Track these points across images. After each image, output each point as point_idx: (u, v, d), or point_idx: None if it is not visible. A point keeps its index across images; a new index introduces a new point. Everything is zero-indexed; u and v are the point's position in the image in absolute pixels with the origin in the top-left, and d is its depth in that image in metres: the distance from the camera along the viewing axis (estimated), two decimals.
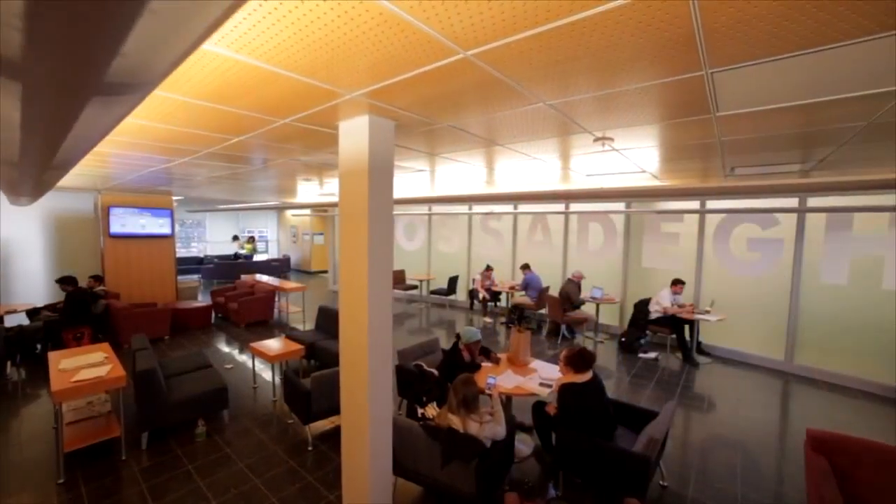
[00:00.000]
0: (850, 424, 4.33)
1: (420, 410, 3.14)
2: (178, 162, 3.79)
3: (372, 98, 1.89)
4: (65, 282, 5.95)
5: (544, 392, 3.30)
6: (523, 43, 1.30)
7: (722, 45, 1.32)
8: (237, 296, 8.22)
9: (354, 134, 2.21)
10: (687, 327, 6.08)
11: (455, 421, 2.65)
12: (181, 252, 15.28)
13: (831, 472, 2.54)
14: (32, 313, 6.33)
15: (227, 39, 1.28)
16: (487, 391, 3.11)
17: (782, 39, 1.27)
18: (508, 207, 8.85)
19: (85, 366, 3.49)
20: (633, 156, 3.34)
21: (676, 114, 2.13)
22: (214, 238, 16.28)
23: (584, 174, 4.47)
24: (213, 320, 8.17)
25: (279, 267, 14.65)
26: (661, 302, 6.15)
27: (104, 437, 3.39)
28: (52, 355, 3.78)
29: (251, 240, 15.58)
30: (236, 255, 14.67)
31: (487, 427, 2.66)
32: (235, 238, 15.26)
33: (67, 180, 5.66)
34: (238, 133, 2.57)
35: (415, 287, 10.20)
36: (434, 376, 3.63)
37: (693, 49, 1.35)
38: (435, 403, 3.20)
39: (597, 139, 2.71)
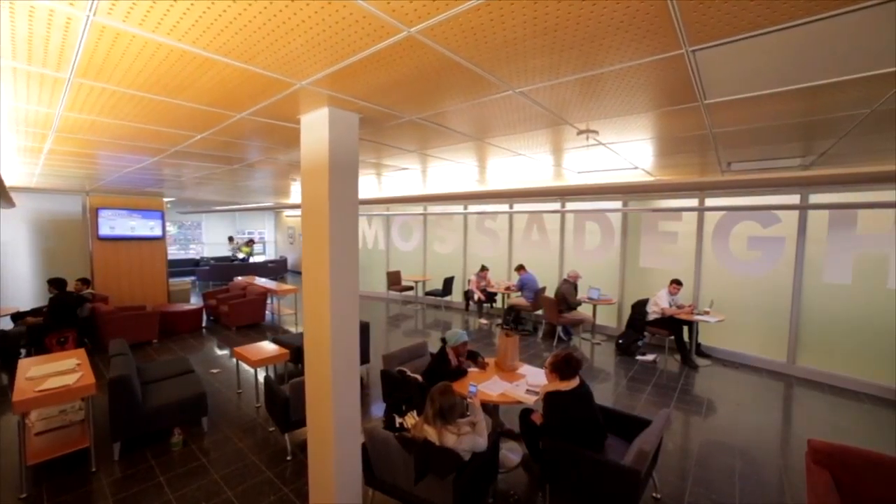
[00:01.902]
0: (854, 430, 4.15)
1: (398, 420, 2.99)
2: (150, 161, 3.66)
3: (325, 87, 1.74)
4: (53, 284, 5.85)
5: (531, 399, 3.14)
6: (471, 16, 1.14)
7: (700, 18, 1.16)
8: (229, 298, 8.10)
9: (315, 128, 2.06)
10: (686, 329, 5.90)
11: (431, 433, 2.49)
12: (180, 254, 15.23)
13: (834, 486, 2.38)
14: (17, 317, 6.23)
15: (136, 16, 1.13)
16: (469, 399, 2.95)
17: (767, 8, 1.10)
18: (504, 207, 8.68)
19: (54, 373, 3.36)
20: (622, 151, 3.18)
21: (661, 102, 1.96)
22: (211, 240, 16.19)
23: (576, 171, 4.31)
24: (204, 323, 8.05)
25: (276, 268, 14.54)
26: (659, 303, 5.97)
27: (72, 448, 3.25)
28: (23, 362, 3.65)
29: (250, 243, 15.47)
30: (233, 258, 14.53)
31: (466, 439, 2.50)
32: (231, 239, 15.08)
33: (52, 181, 5.55)
34: (198, 129, 2.43)
35: (410, 288, 10.05)
36: (417, 382, 3.48)
37: (668, 22, 1.19)
38: (415, 412, 3.05)
39: (580, 132, 2.55)
